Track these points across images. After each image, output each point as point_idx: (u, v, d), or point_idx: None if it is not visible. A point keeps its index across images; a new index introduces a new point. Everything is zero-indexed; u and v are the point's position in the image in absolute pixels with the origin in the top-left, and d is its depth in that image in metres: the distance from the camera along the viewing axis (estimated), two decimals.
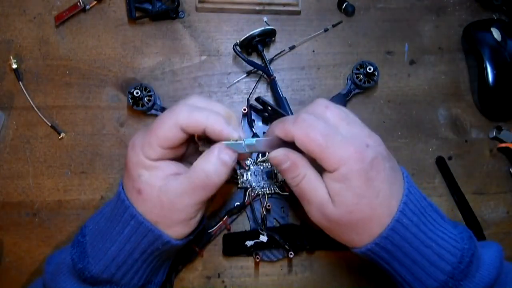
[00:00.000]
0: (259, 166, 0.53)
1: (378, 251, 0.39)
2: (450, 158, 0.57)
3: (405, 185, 0.40)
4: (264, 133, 0.55)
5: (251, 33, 0.54)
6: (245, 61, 0.55)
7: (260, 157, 0.53)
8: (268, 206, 0.52)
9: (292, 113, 0.55)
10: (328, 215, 0.39)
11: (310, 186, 0.40)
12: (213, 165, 0.38)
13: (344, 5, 0.59)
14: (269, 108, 0.51)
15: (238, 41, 0.55)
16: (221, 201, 0.53)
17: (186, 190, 0.39)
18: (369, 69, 0.55)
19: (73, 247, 0.41)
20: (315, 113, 0.40)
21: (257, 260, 0.51)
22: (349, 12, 0.59)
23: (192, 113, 0.38)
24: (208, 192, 0.39)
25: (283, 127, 0.39)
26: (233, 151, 0.39)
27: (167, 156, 0.39)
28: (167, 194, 0.38)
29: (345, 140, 0.38)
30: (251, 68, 0.57)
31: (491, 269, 0.39)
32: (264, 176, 0.53)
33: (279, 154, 0.40)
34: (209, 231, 0.51)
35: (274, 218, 0.53)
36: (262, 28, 0.55)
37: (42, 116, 0.55)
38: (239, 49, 0.55)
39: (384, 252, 0.39)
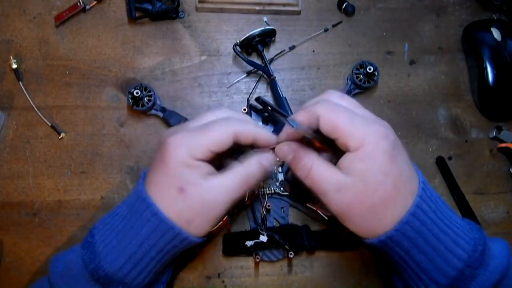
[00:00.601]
0: None
1: (398, 238, 0.38)
2: (450, 158, 0.57)
3: (418, 171, 0.41)
4: None
5: (251, 33, 0.54)
6: (245, 61, 0.55)
7: None
8: (268, 206, 0.52)
9: (292, 113, 0.55)
10: (350, 198, 0.38)
11: (322, 174, 0.39)
12: (256, 165, 0.42)
13: (344, 5, 0.59)
14: (269, 108, 0.51)
15: (238, 41, 0.55)
16: None
17: (233, 187, 0.41)
18: (369, 69, 0.55)
19: (83, 249, 0.41)
20: (331, 100, 0.41)
21: (257, 260, 0.51)
22: (349, 12, 0.59)
23: (245, 125, 0.42)
24: (248, 189, 0.42)
25: (306, 110, 0.40)
26: (272, 156, 0.43)
27: (208, 158, 0.40)
28: (210, 191, 0.40)
29: (368, 119, 0.39)
30: (251, 68, 0.57)
31: (503, 260, 0.39)
32: None
33: (283, 146, 0.42)
34: None
35: (274, 218, 0.53)
36: (262, 28, 0.55)
37: (42, 116, 0.55)
38: (239, 49, 0.55)
39: (405, 238, 0.38)
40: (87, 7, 0.58)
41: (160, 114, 0.55)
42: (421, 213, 0.38)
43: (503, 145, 0.56)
